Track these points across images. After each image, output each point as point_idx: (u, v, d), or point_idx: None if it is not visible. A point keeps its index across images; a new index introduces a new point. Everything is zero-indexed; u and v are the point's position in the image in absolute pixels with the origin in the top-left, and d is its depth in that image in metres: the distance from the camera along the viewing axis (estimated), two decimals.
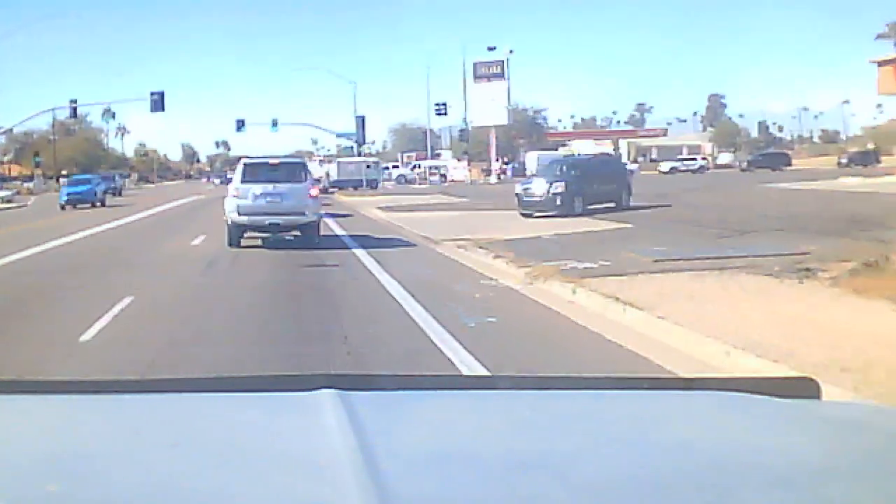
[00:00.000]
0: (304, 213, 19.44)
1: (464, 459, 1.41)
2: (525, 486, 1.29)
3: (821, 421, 1.71)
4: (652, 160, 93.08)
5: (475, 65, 77.06)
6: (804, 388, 1.84)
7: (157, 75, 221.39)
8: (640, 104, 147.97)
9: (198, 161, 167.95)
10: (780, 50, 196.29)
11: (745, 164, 77.22)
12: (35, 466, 1.37)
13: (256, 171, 20.02)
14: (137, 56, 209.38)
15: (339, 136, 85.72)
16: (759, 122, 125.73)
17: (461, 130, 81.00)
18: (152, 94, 59.79)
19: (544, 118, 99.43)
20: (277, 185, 19.47)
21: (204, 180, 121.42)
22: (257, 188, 19.41)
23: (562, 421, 1.70)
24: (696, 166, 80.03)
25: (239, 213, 19.40)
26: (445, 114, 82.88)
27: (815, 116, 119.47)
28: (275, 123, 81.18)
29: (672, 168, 78.66)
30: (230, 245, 19.39)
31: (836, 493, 1.30)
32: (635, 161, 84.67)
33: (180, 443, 1.51)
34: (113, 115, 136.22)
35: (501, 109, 76.47)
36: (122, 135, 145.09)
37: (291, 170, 20.37)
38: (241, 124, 79.97)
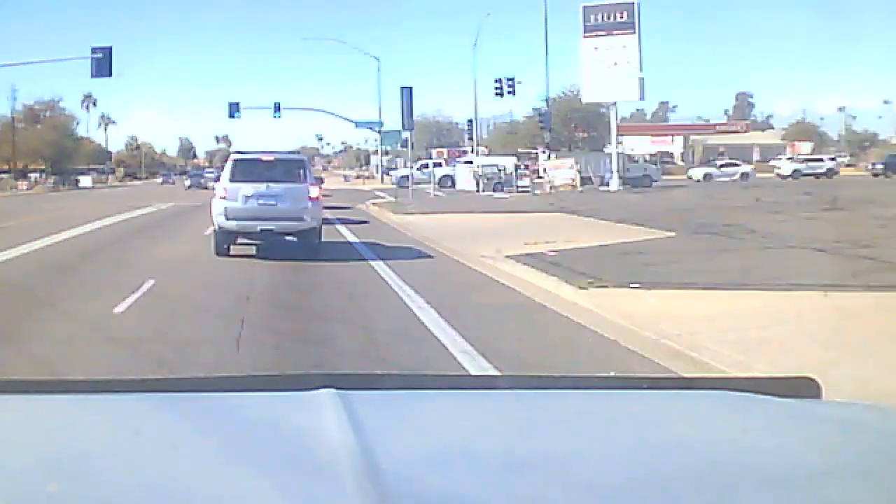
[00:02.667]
0: (302, 219, 16.93)
1: (464, 459, 1.42)
2: (525, 486, 1.29)
3: (821, 421, 1.71)
4: (756, 161, 77.37)
5: (584, 9, 51.70)
6: (804, 388, 1.85)
7: (155, 69, 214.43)
8: (663, 102, 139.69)
9: (194, 156, 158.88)
10: (815, 50, 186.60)
11: (877, 169, 62.33)
12: (35, 466, 1.37)
13: (248, 168, 17.40)
14: (134, 48, 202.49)
15: (358, 125, 70.62)
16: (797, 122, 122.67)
17: (541, 114, 55.79)
18: (94, 51, 41.82)
19: (607, 108, 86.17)
20: (272, 185, 16.98)
21: (160, 180, 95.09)
22: (248, 188, 16.88)
23: (562, 421, 1.70)
24: (824, 169, 63.03)
25: (227, 218, 16.82)
26: (512, 93, 58.23)
27: (854, 117, 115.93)
28: (277, 108, 66.27)
29: (794, 171, 63.30)
30: (217, 254, 16.95)
31: (836, 493, 1.30)
32: (747, 162, 69.54)
33: (180, 443, 1.51)
34: (94, 103, 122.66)
35: (630, 77, 49.92)
36: (106, 125, 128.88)
37: (289, 167, 17.71)
38: (234, 109, 64.71)
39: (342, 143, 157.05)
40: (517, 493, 1.26)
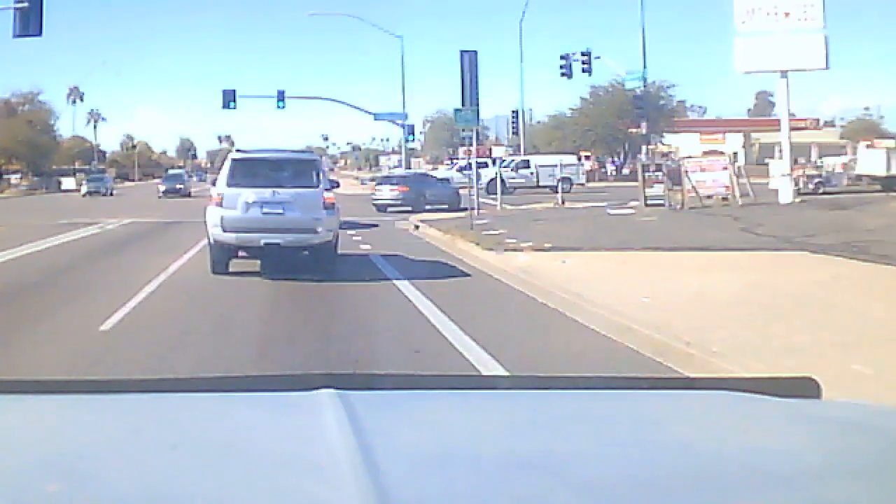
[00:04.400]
0: (315, 231, 14.25)
1: (464, 460, 1.42)
2: (525, 486, 1.29)
3: (821, 421, 1.72)
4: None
5: None
6: (804, 388, 1.85)
7: (156, 65, 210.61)
8: (680, 101, 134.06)
9: (194, 157, 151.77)
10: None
11: None
12: (35, 466, 1.37)
13: (250, 169, 14.80)
14: (134, 43, 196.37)
15: (377, 117, 59.05)
16: (826, 122, 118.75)
17: (638, 97, 41.78)
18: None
19: (672, 97, 62.97)
20: (279, 189, 14.33)
21: (82, 191, 61.30)
22: (250, 194, 14.26)
23: (562, 421, 1.70)
24: None
25: (224, 230, 14.18)
26: (588, 71, 44.42)
27: (882, 116, 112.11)
28: (281, 97, 54.72)
29: None
30: (213, 272, 14.45)
31: (836, 493, 1.30)
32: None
33: (180, 443, 1.51)
34: (81, 97, 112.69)
35: (810, 35, 33.40)
36: (95, 121, 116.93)
37: (299, 168, 15.04)
38: (230, 98, 52.93)
39: (348, 144, 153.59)
40: (517, 493, 1.26)
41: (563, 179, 45.23)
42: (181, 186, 55.22)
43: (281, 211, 14.21)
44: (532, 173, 48.40)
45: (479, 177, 40.77)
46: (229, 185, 14.51)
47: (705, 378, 2.29)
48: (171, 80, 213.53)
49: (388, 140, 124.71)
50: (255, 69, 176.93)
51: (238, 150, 16.41)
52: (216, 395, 1.90)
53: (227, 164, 15.14)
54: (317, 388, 1.68)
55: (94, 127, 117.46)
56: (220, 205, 14.35)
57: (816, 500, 1.28)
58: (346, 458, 1.29)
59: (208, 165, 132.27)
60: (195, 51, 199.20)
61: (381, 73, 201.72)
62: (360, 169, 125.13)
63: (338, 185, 20.51)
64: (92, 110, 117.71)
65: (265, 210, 14.21)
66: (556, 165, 43.45)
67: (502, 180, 40.59)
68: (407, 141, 59.20)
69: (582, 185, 48.97)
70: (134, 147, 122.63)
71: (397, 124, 59.98)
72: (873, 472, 1.40)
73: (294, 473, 1.30)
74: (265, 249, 14.30)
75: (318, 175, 14.90)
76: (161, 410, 1.74)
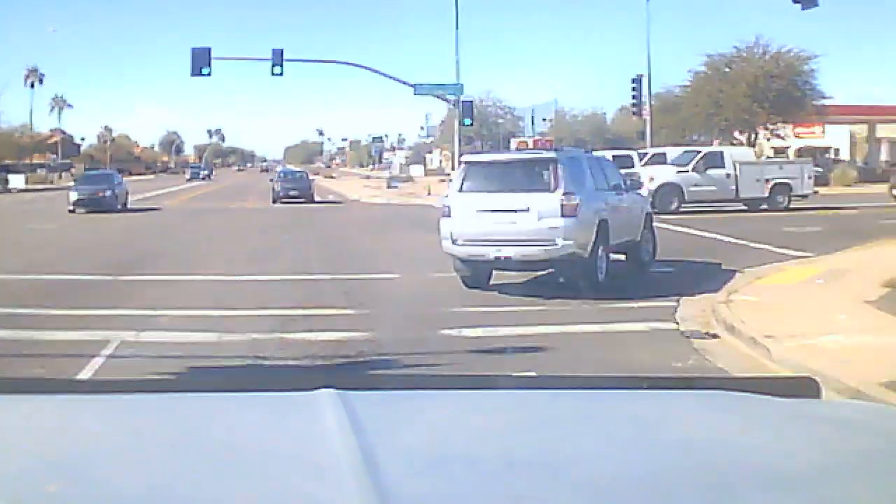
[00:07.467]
0: (552, 242, 12.24)
1: (464, 460, 1.42)
2: (525, 486, 1.29)
3: (821, 421, 1.72)
4: None
5: None
6: (804, 388, 1.85)
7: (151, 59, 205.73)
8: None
9: (180, 152, 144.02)
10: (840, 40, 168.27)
11: None
12: (35, 467, 1.37)
13: (482, 174, 13.14)
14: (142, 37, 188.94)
15: (418, 90, 41.84)
16: None
17: None
18: None
19: (814, 75, 46.93)
20: (509, 195, 12.54)
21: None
22: (480, 201, 12.63)
23: (562, 421, 1.70)
24: None
25: (454, 242, 12.70)
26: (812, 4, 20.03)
27: None
28: (278, 62, 37.94)
29: None
30: (466, 286, 12.93)
31: (836, 493, 1.31)
32: None
33: (180, 443, 1.51)
34: (41, 80, 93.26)
35: None
36: (60, 109, 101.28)
37: (534, 170, 12.99)
38: (202, 60, 37.03)
39: (344, 140, 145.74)
40: (517, 493, 1.26)
41: (778, 187, 29.11)
42: (105, 195, 33.92)
43: (513, 220, 12.49)
44: (729, 176, 29.05)
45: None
46: (462, 190, 13.09)
47: (705, 378, 2.28)
48: (161, 72, 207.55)
49: (387, 136, 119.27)
50: (251, 40, 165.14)
51: (472, 153, 15.01)
52: (216, 395, 1.90)
53: (460, 169, 13.83)
54: (317, 388, 1.68)
55: (59, 115, 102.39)
56: (448, 215, 12.92)
57: (816, 499, 1.28)
58: (347, 458, 1.29)
59: (196, 161, 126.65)
60: (185, 38, 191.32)
61: (410, 41, 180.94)
62: (362, 166, 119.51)
63: (640, 187, 17.38)
64: (56, 95, 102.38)
65: (495, 220, 12.58)
66: (768, 165, 28.69)
67: (675, 185, 26.19)
68: (463, 124, 42.25)
69: (804, 196, 29.84)
70: (112, 140, 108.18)
71: (445, 100, 44.74)
72: (873, 472, 1.40)
73: (294, 474, 1.30)
74: (495, 264, 12.75)
75: (556, 176, 12.60)
76: (161, 410, 1.74)
